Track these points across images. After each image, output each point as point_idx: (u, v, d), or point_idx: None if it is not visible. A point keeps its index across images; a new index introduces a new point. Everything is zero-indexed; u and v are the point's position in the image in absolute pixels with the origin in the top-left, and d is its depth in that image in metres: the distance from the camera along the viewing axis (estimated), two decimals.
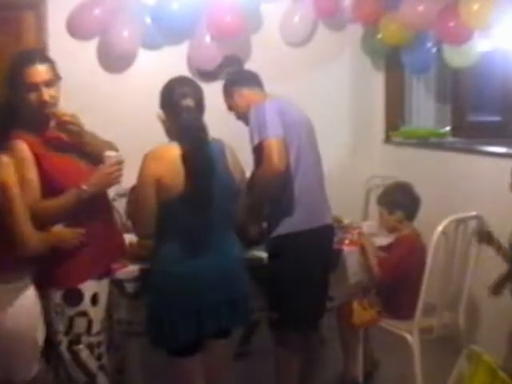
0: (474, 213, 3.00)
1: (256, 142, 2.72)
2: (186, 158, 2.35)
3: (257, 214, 2.92)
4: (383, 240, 3.30)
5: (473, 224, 3.02)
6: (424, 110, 4.57)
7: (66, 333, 2.50)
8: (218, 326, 2.48)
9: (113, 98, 3.98)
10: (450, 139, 4.27)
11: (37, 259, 2.33)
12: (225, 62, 4.09)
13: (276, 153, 2.66)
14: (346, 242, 3.26)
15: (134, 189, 2.72)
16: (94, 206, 2.47)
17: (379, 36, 4.21)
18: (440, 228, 2.86)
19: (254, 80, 3.01)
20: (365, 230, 3.40)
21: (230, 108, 3.01)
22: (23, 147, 2.38)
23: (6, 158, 2.27)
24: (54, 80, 2.46)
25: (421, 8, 3.76)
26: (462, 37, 3.59)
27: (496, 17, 3.32)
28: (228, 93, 3.00)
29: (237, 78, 3.08)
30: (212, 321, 2.44)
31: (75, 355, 2.51)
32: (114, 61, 4.03)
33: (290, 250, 2.82)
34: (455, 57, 3.82)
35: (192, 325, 2.40)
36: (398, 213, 3.19)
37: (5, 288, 2.27)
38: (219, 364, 2.64)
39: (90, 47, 3.98)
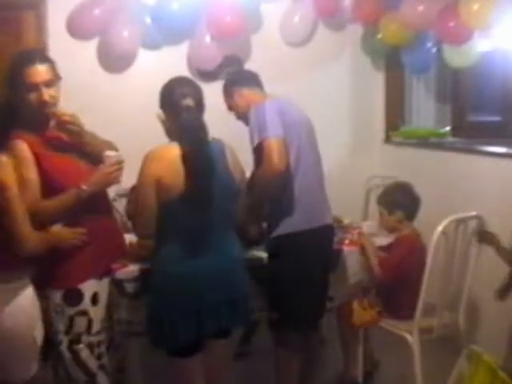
0: (474, 213, 3.00)
1: (256, 142, 2.72)
2: (186, 158, 2.35)
3: (257, 214, 2.92)
4: (383, 240, 3.30)
5: (473, 224, 3.02)
6: (424, 110, 4.57)
7: (67, 332, 2.51)
8: (218, 326, 2.48)
9: (113, 98, 3.99)
10: (450, 139, 4.26)
11: (37, 259, 2.34)
12: (225, 62, 4.10)
13: (276, 153, 2.66)
14: (346, 241, 3.25)
15: (134, 189, 2.73)
16: (95, 206, 2.48)
17: (379, 36, 4.21)
18: (440, 228, 2.85)
19: (253, 80, 3.01)
20: (365, 230, 3.40)
21: (230, 108, 3.01)
22: (23, 147, 2.39)
23: (4, 158, 2.28)
24: (54, 80, 2.46)
25: (421, 8, 3.76)
26: (462, 37, 3.59)
27: (496, 17, 3.32)
28: (228, 93, 3.00)
29: (237, 77, 3.08)
30: (212, 321, 2.44)
31: (75, 355, 2.52)
32: (114, 61, 4.03)
33: (290, 250, 2.82)
34: (455, 57, 3.82)
35: (192, 325, 2.40)
36: (398, 213, 3.19)
37: (3, 288, 2.28)
38: (219, 364, 2.64)
39: (90, 47, 3.98)
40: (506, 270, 2.84)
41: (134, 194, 2.72)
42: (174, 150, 2.38)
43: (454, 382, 3.07)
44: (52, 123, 2.49)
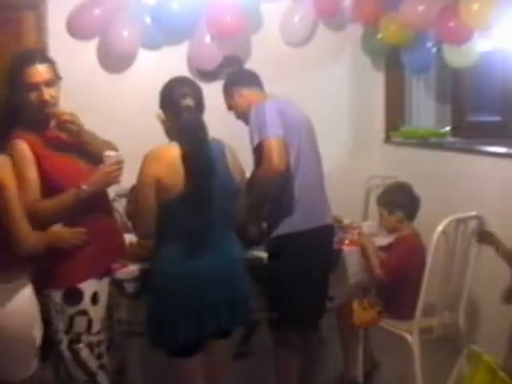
0: (474, 213, 3.00)
1: (256, 142, 2.72)
2: (185, 158, 2.35)
3: (257, 214, 2.92)
4: (383, 240, 3.30)
5: (473, 224, 3.02)
6: (424, 110, 4.57)
7: (67, 332, 2.50)
8: (218, 326, 2.47)
9: (113, 98, 3.99)
10: (450, 139, 4.26)
11: (37, 258, 2.34)
12: (225, 62, 4.10)
13: (276, 153, 2.66)
14: (346, 241, 3.25)
15: (133, 189, 2.72)
16: (95, 206, 2.48)
17: (379, 36, 4.21)
18: (440, 228, 2.85)
19: (253, 80, 3.01)
20: (365, 230, 3.40)
21: (230, 108, 3.01)
22: (23, 147, 2.39)
23: (3, 158, 2.28)
24: (55, 80, 2.46)
25: (421, 8, 3.76)
26: (462, 37, 3.59)
27: (496, 17, 3.32)
28: (228, 93, 3.00)
29: (237, 77, 3.08)
30: (212, 321, 2.44)
31: (75, 354, 2.52)
32: (114, 61, 4.03)
33: (290, 250, 2.82)
34: (455, 57, 3.82)
35: (192, 325, 2.40)
36: (397, 213, 3.19)
37: (2, 287, 2.28)
38: (219, 364, 2.64)
39: (90, 47, 3.98)
40: (506, 270, 2.84)
41: (133, 194, 2.72)
42: (174, 150, 2.38)
43: (454, 382, 3.07)
44: (52, 123, 2.49)
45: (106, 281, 2.62)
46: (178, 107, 2.43)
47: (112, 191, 2.82)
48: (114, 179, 2.48)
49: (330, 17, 4.34)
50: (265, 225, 2.99)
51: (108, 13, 3.86)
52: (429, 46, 4.06)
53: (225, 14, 3.95)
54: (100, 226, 2.55)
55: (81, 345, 2.51)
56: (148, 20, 3.97)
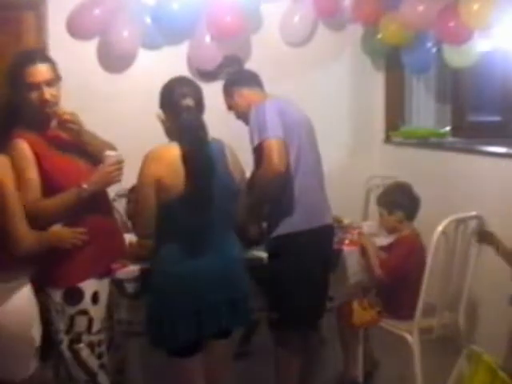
0: (474, 213, 3.00)
1: (256, 142, 2.72)
2: (185, 158, 2.35)
3: (257, 214, 2.92)
4: (383, 240, 3.30)
5: (473, 224, 3.02)
6: (424, 110, 4.57)
7: (67, 331, 2.51)
8: (218, 326, 2.47)
9: (113, 97, 3.99)
10: (450, 139, 4.26)
11: (37, 258, 2.34)
12: (225, 62, 4.10)
13: (276, 153, 2.66)
14: (346, 241, 3.26)
15: (133, 189, 2.73)
16: (95, 206, 2.48)
17: (379, 36, 4.21)
18: (440, 228, 2.85)
19: (253, 80, 3.01)
20: (365, 230, 3.40)
21: (230, 108, 3.01)
22: (24, 146, 2.39)
23: (1, 158, 2.28)
24: (55, 80, 2.46)
25: (421, 8, 3.76)
26: (462, 37, 3.59)
27: (496, 17, 3.32)
28: (228, 93, 3.00)
29: (237, 77, 3.08)
30: (212, 321, 2.43)
31: (76, 354, 2.52)
32: (114, 61, 4.03)
33: (290, 250, 2.82)
34: (455, 57, 3.82)
35: (192, 325, 2.40)
36: (397, 213, 3.19)
37: (0, 287, 2.28)
38: (219, 364, 2.63)
39: (90, 47, 3.98)
40: (506, 270, 2.84)
41: (133, 194, 2.72)
42: (174, 150, 2.38)
43: (454, 382, 3.07)
44: (53, 123, 2.50)
45: (106, 281, 2.62)
46: (178, 107, 2.43)
47: (112, 191, 2.82)
48: (114, 179, 2.48)
49: (330, 17, 4.34)
50: (265, 225, 2.99)
51: (108, 13, 3.87)
52: (429, 46, 4.06)
53: (225, 13, 3.95)
54: (100, 226, 2.55)
55: (81, 345, 2.51)
56: (148, 20, 3.97)
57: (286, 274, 2.82)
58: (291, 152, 2.76)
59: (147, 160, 2.40)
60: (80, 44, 3.92)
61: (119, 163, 2.46)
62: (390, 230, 3.27)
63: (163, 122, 2.50)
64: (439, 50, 3.96)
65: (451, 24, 3.58)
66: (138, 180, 2.42)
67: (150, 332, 2.48)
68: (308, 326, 2.99)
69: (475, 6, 3.38)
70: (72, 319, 2.49)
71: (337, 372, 3.38)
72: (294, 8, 4.28)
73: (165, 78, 2.54)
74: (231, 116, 3.04)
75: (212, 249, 2.44)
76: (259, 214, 2.93)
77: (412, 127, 4.51)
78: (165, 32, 4.00)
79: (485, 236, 2.95)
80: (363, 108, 4.61)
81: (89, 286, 2.51)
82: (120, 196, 3.47)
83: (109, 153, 2.47)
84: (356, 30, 4.42)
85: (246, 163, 2.74)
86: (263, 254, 2.98)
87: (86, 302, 2.50)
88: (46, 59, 2.48)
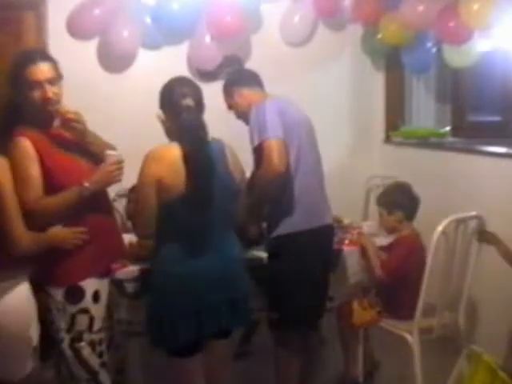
0: (474, 213, 3.00)
1: (256, 142, 2.72)
2: (186, 158, 2.35)
3: (257, 214, 2.92)
4: (383, 240, 3.30)
5: (473, 224, 3.02)
6: (424, 110, 4.57)
7: (68, 330, 2.50)
8: (218, 326, 2.47)
9: (113, 97, 3.99)
10: (450, 139, 4.27)
11: (36, 258, 2.34)
12: (225, 62, 4.10)
13: (276, 153, 2.66)
14: (346, 242, 3.26)
15: (133, 189, 2.73)
16: (96, 205, 2.49)
17: (379, 36, 4.21)
18: (440, 228, 2.85)
19: (254, 80, 3.01)
20: (365, 230, 3.40)
21: (230, 107, 3.01)
22: (26, 144, 2.39)
23: (0, 159, 2.28)
24: (57, 78, 2.47)
25: (421, 8, 3.76)
26: (462, 37, 3.60)
27: (496, 17, 3.32)
28: (228, 92, 3.00)
29: (237, 77, 3.08)
30: (212, 321, 2.44)
31: (77, 353, 2.52)
32: (114, 61, 4.03)
33: (290, 250, 2.82)
34: (455, 57, 3.82)
35: (192, 325, 2.40)
36: (397, 213, 3.19)
37: None
38: (219, 364, 2.64)
39: (90, 47, 3.98)
40: (507, 270, 2.84)
41: (134, 194, 2.72)
42: (174, 150, 2.38)
43: (454, 382, 3.07)
44: (56, 121, 2.50)
45: (106, 281, 2.62)
46: (178, 107, 2.43)
47: (112, 191, 2.82)
48: (115, 178, 2.48)
49: (330, 17, 4.34)
50: (265, 225, 2.99)
51: (108, 13, 3.86)
52: (429, 46, 4.06)
53: (225, 13, 3.95)
54: (100, 226, 2.55)
55: (82, 343, 2.51)
56: (148, 20, 3.97)
57: (285, 274, 2.82)
58: (291, 152, 2.76)
59: (147, 160, 2.40)
60: (80, 44, 3.92)
61: (120, 163, 2.47)
62: (390, 230, 3.28)
63: (163, 122, 2.50)
64: (439, 50, 3.96)
65: (451, 24, 3.58)
66: (139, 180, 2.42)
67: (150, 332, 2.48)
68: (308, 325, 2.99)
69: (475, 6, 3.38)
70: (73, 318, 2.49)
71: (337, 372, 3.38)
72: (294, 8, 4.28)
73: (165, 78, 2.54)
74: (231, 116, 3.04)
75: (212, 249, 2.44)
76: (259, 214, 2.93)
77: (412, 127, 4.51)
78: (165, 32, 4.00)
79: (485, 236, 2.95)
80: (363, 108, 4.61)
81: (90, 285, 2.51)
82: (120, 196, 3.47)
83: (110, 152, 2.48)
84: (356, 30, 4.42)
85: (246, 163, 2.74)
86: (263, 254, 2.98)
87: (87, 300, 2.50)
88: (48, 58, 2.49)
